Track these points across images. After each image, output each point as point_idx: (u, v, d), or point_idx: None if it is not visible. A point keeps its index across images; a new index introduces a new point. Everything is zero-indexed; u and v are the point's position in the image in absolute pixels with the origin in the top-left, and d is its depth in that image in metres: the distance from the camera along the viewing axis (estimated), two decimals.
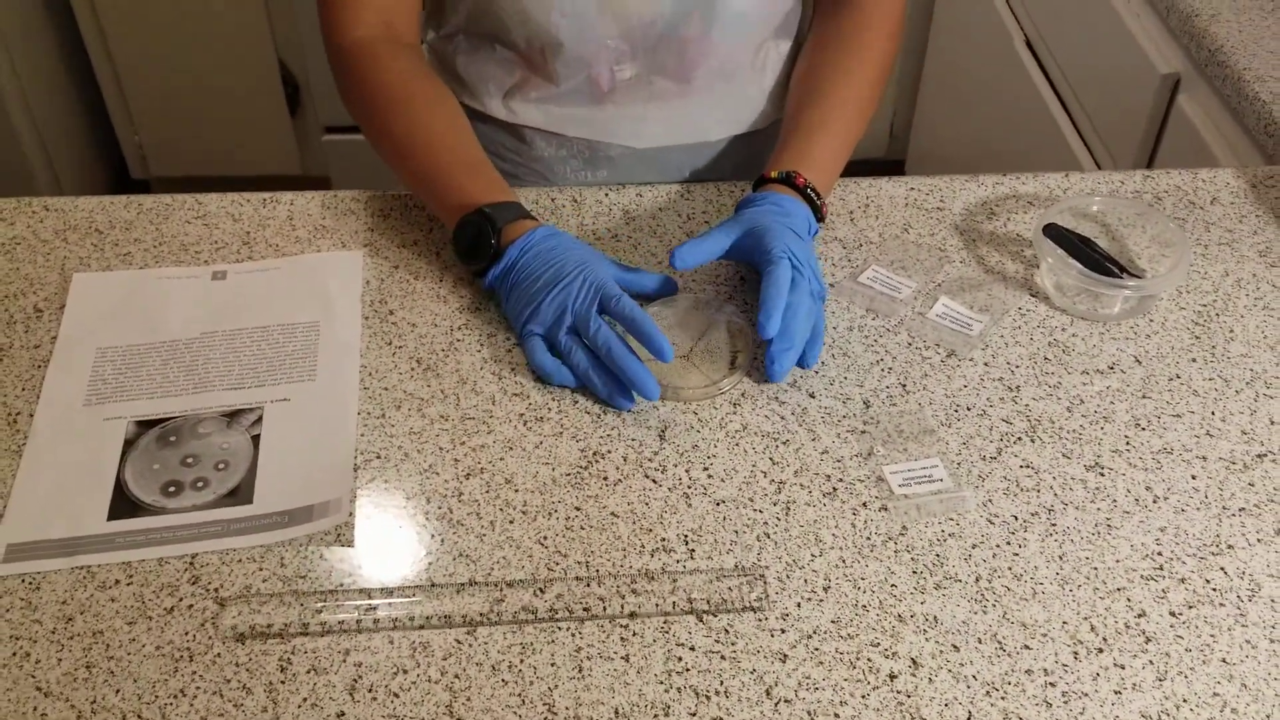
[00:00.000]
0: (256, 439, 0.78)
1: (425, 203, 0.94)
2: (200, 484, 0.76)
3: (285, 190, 0.99)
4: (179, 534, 0.73)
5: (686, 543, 0.74)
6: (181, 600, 0.70)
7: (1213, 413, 0.83)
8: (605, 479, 0.77)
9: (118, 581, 0.71)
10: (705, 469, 0.78)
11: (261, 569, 0.72)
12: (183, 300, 0.88)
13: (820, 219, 0.90)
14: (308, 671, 0.67)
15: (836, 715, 0.66)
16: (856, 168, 1.00)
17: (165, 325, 0.86)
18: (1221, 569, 0.73)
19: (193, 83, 2.23)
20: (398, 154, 0.92)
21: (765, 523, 0.75)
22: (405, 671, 0.67)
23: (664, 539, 0.74)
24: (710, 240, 0.85)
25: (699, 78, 1.01)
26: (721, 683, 0.67)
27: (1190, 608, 0.71)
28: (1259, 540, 0.75)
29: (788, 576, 0.72)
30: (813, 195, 0.89)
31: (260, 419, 0.80)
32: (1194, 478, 0.79)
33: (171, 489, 0.75)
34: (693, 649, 0.68)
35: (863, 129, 0.97)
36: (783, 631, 0.69)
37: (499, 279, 0.86)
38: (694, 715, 0.65)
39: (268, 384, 0.82)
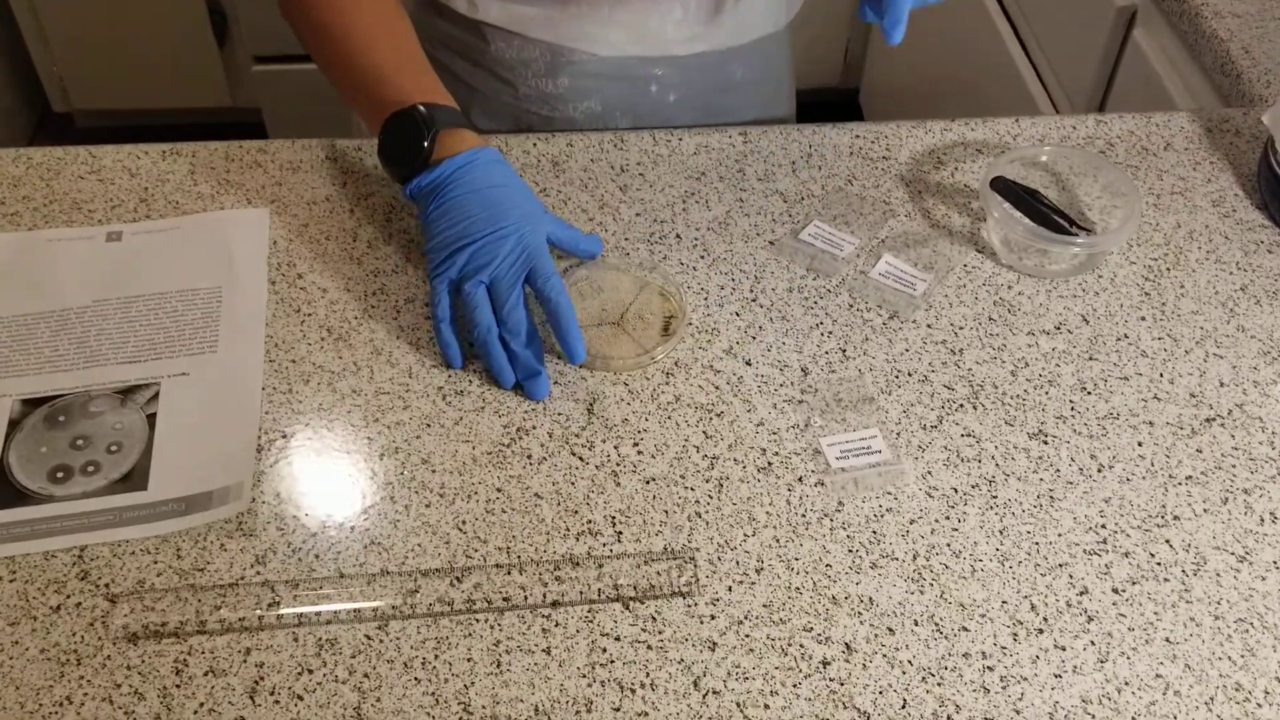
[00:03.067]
0: (152, 418, 0.73)
1: (356, 107, 0.87)
2: (91, 469, 0.71)
3: (216, 122, 0.93)
4: (67, 524, 0.68)
5: (614, 525, 0.70)
6: (69, 598, 0.65)
7: (1161, 375, 0.80)
8: (529, 457, 0.73)
9: (0, 578, 0.66)
10: (635, 445, 0.74)
11: (156, 562, 0.67)
12: (75, 264, 0.82)
13: None
14: (205, 673, 0.63)
15: (766, 706, 0.63)
16: (809, 96, 0.94)
17: (56, 292, 0.80)
18: (1166, 541, 0.71)
19: (113, 11, 2.11)
20: (331, 51, 0.85)
21: (697, 501, 0.71)
22: (310, 671, 0.63)
23: (590, 521, 0.70)
24: None
25: None
26: (647, 674, 0.64)
27: (1134, 584, 0.69)
28: (1205, 511, 0.72)
29: (719, 558, 0.69)
30: None
31: (157, 395, 0.74)
32: (1140, 445, 0.76)
33: (60, 475, 0.70)
34: (618, 639, 0.65)
35: None
36: (712, 618, 0.66)
37: (425, 192, 0.80)
38: (618, 710, 0.62)
39: (165, 357, 0.76)
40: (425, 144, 0.79)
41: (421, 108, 0.80)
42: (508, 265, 0.76)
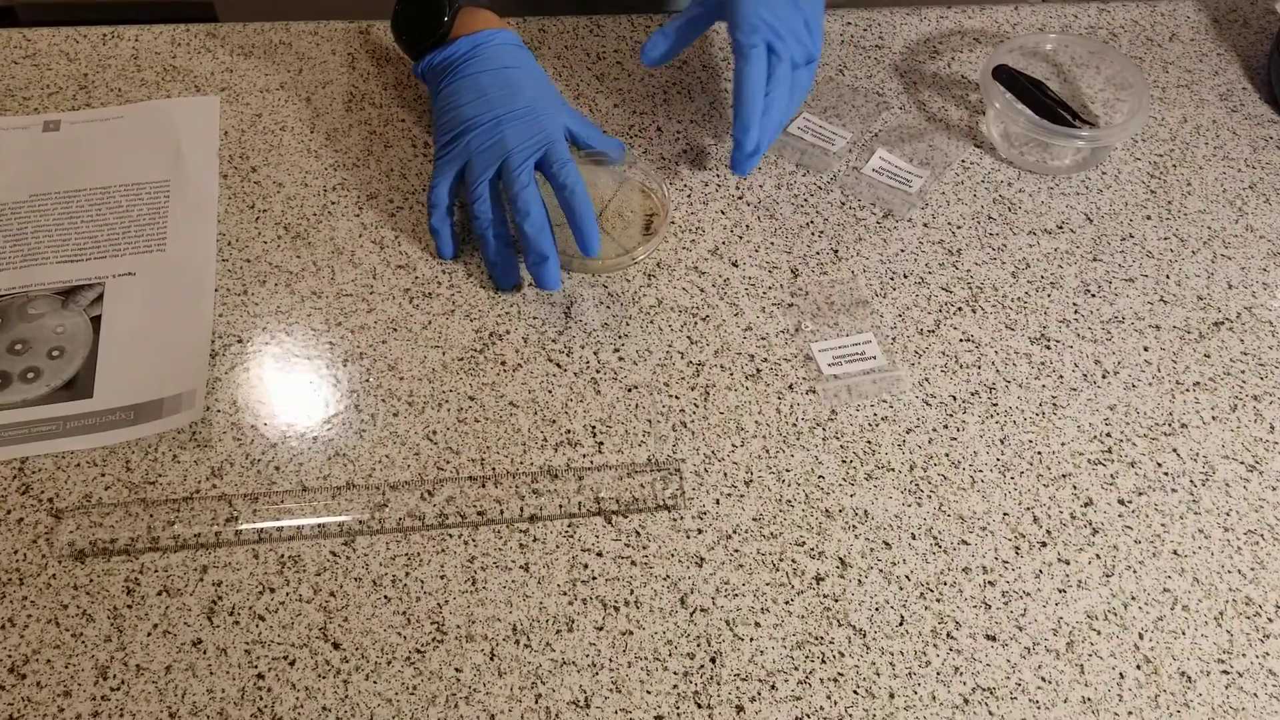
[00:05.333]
0: (97, 321, 0.68)
1: None
2: (31, 375, 0.65)
3: (166, 15, 0.86)
4: (7, 435, 0.63)
5: (594, 435, 0.66)
6: (10, 513, 0.61)
7: (1167, 276, 0.76)
8: (503, 363, 0.68)
9: None
10: (616, 350, 0.70)
11: (104, 474, 0.62)
12: (8, 156, 0.76)
13: None
14: (159, 593, 0.58)
15: (757, 624, 0.59)
16: None
17: None
18: (1174, 450, 0.68)
19: None
20: None
21: (682, 410, 0.67)
22: (272, 590, 0.59)
23: (569, 431, 0.66)
24: (679, 26, 0.75)
25: None
26: (631, 592, 0.60)
27: (1140, 494, 0.66)
28: (1214, 418, 0.69)
29: (706, 470, 0.65)
30: None
31: (101, 297, 0.69)
32: (1146, 349, 0.72)
33: None
34: (600, 554, 0.61)
35: None
36: (699, 532, 0.63)
37: (438, 69, 0.75)
38: (600, 629, 0.59)
39: (110, 255, 0.71)
40: (446, 18, 0.74)
41: None
42: (519, 145, 0.71)
